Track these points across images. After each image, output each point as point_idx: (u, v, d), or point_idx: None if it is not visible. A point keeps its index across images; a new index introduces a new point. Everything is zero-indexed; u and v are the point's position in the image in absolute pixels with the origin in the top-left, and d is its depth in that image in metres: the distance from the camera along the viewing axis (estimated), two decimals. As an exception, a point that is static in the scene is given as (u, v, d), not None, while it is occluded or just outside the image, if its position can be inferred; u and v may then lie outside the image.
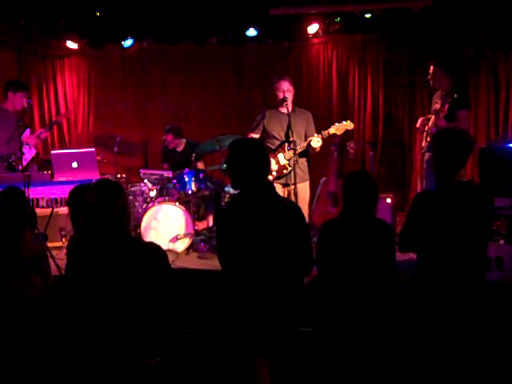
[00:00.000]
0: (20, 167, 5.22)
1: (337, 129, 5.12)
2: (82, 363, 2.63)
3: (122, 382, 2.60)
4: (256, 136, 5.22)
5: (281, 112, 5.12)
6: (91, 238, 2.66)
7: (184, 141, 6.91)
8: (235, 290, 2.88)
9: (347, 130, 5.32)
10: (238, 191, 2.93)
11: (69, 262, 2.76)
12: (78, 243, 2.83)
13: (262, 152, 2.95)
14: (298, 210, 3.02)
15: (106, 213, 2.62)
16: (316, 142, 5.05)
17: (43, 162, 6.32)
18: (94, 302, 2.59)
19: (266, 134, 5.22)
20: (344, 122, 5.15)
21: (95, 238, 2.65)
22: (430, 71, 5.46)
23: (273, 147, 5.21)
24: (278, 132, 5.16)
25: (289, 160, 5.07)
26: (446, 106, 5.24)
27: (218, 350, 3.86)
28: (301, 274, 2.98)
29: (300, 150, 5.06)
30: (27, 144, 5.81)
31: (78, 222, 3.29)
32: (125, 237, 2.71)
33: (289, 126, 4.99)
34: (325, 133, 5.10)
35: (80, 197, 3.27)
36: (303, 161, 5.21)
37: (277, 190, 4.89)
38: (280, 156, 5.15)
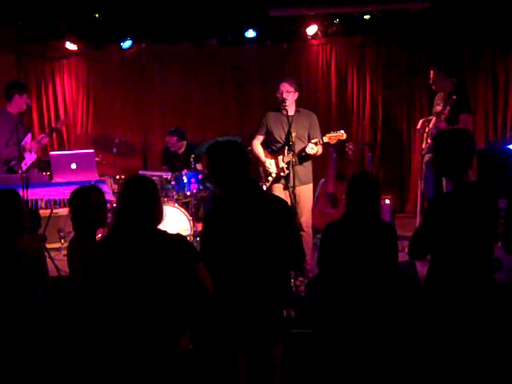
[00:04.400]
0: (20, 171, 5.21)
1: (329, 138, 5.13)
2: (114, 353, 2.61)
3: (153, 370, 2.61)
4: (261, 138, 5.26)
5: (282, 114, 5.12)
6: (122, 234, 2.68)
7: (185, 143, 6.91)
8: (221, 289, 2.82)
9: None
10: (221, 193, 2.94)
11: (99, 259, 2.67)
12: (105, 240, 2.80)
13: (238, 152, 2.94)
14: (284, 206, 3.02)
15: (140, 208, 2.70)
16: (310, 149, 5.05)
17: (42, 164, 6.31)
18: (132, 296, 2.60)
19: (270, 137, 5.24)
20: (339, 132, 5.16)
21: (126, 233, 2.67)
22: (431, 75, 5.46)
23: (275, 149, 5.22)
24: (280, 134, 5.15)
25: (287, 163, 5.07)
26: (448, 108, 5.24)
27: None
28: (294, 269, 2.97)
29: (302, 154, 5.08)
30: (29, 150, 5.78)
31: (80, 223, 3.29)
32: (155, 231, 2.79)
33: (288, 129, 4.99)
34: (319, 141, 5.11)
35: (84, 198, 3.28)
36: (307, 164, 5.20)
37: (278, 191, 5.03)
38: (279, 159, 5.16)
